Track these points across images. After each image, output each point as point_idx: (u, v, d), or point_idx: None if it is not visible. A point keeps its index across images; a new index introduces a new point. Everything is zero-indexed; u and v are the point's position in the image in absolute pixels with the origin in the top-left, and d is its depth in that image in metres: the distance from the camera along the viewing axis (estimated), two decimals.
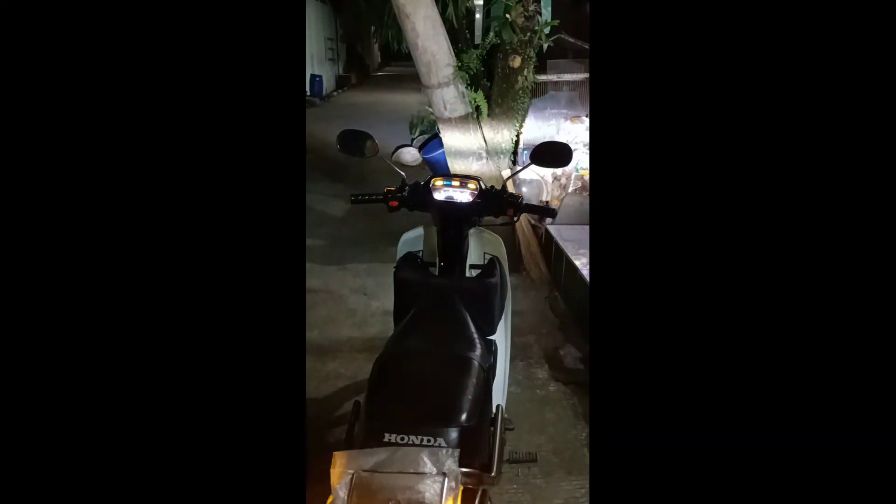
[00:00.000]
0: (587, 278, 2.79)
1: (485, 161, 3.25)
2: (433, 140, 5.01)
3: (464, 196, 1.50)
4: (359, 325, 2.77)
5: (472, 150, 3.23)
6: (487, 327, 1.42)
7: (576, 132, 3.74)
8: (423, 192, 1.52)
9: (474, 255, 1.63)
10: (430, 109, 5.99)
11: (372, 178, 4.80)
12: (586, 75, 3.88)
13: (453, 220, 1.52)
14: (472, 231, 1.59)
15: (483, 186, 1.52)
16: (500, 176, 3.40)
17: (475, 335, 1.21)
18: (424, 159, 4.55)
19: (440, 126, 3.32)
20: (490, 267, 1.58)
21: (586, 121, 3.74)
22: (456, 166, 3.31)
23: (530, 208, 1.54)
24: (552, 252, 3.26)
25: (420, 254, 1.68)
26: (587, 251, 3.11)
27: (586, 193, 3.76)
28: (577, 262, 2.95)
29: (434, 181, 1.52)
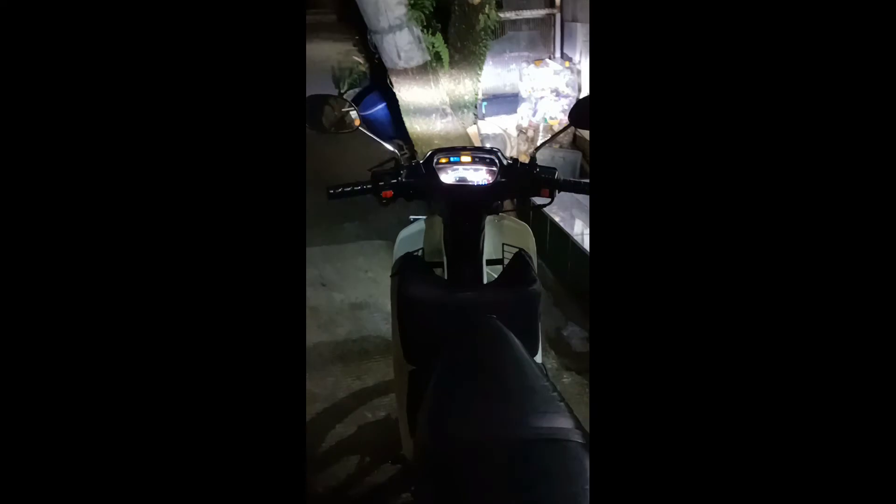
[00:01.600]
0: (580, 244, 2.48)
1: (450, 118, 2.79)
2: (369, 94, 4.49)
3: (479, 175, 1.12)
4: (325, 326, 2.34)
5: (434, 105, 2.76)
6: (531, 349, 1.09)
7: (541, 78, 3.34)
8: (425, 175, 1.13)
9: (490, 248, 1.28)
10: (358, 59, 5.41)
11: (322, 142, 4.19)
12: (547, 11, 3.46)
13: (468, 209, 1.15)
14: (488, 218, 1.22)
15: (503, 160, 1.14)
16: (466, 134, 2.97)
17: (548, 385, 0.81)
18: (362, 118, 4.02)
19: (393, 78, 2.82)
20: (518, 265, 1.21)
21: (551, 64, 3.35)
22: (416, 127, 2.83)
23: (567, 185, 1.15)
24: (529, 215, 2.90)
25: (419, 252, 1.30)
26: (569, 212, 2.79)
27: (557, 145, 3.42)
28: (561, 224, 2.62)
29: (438, 159, 1.13)
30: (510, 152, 3.51)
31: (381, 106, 4.13)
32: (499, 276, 1.27)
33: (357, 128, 1.24)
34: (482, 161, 1.14)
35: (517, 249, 1.26)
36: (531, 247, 1.29)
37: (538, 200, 1.16)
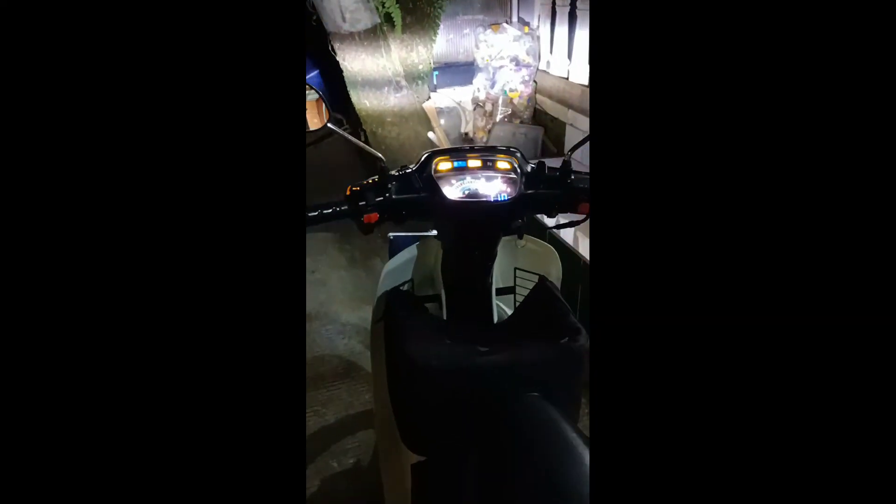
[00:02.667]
0: (553, 234, 2.22)
1: (405, 92, 2.42)
2: None
3: (494, 186, 0.84)
4: None
5: (386, 76, 2.37)
6: (573, 421, 0.84)
7: (499, 45, 3.01)
8: (422, 189, 0.84)
9: (498, 273, 1.01)
10: None
11: None
12: None
13: (481, 233, 0.87)
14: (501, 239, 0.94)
15: (523, 166, 0.86)
16: (422, 110, 2.60)
17: None
18: None
19: (336, 44, 2.39)
20: (543, 300, 0.96)
21: (510, 29, 3.02)
22: (366, 102, 2.44)
23: None
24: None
25: (406, 286, 1.01)
26: None
27: (518, 121, 3.12)
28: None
29: (436, 163, 0.84)
30: (467, 127, 3.18)
31: (314, 74, 3.70)
32: (516, 313, 1.00)
33: (325, 127, 0.90)
34: (495, 167, 0.84)
35: (535, 276, 0.98)
36: (555, 274, 1.01)
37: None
